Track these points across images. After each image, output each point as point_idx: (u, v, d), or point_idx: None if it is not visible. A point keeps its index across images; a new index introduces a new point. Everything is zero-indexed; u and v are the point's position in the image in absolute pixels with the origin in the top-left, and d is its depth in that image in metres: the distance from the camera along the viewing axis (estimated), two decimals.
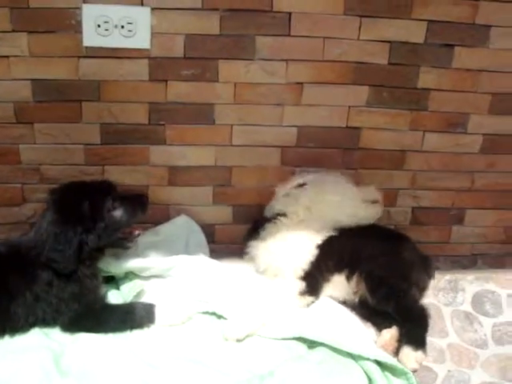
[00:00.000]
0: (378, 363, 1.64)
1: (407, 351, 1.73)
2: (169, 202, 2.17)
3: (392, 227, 2.24)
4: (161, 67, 1.95)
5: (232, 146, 2.10)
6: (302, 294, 1.91)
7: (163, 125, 2.05)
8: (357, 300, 1.95)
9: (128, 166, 2.09)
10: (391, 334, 1.81)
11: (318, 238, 1.98)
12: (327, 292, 1.97)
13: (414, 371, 1.69)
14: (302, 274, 1.93)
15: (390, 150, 2.14)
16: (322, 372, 1.62)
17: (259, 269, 2.02)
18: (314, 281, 1.93)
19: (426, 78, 2.04)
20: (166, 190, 2.15)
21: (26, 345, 1.63)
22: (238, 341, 1.73)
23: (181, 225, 2.14)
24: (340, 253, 1.98)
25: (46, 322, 1.69)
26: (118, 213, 1.79)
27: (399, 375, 1.63)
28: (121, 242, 1.84)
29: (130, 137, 2.05)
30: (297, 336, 1.73)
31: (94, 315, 1.71)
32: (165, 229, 2.11)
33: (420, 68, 2.02)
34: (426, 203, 2.25)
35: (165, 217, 2.16)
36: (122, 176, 2.09)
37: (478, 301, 2.06)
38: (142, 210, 1.86)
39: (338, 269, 1.97)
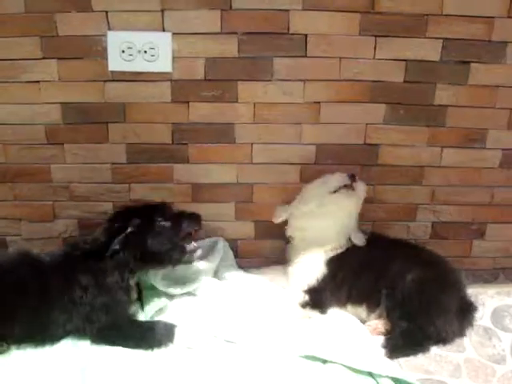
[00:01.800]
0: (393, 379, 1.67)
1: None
2: None
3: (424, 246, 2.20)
4: (182, 89, 2.03)
5: (253, 163, 2.15)
6: (303, 305, 1.97)
7: (186, 144, 2.12)
8: None
9: (153, 184, 2.17)
10: (384, 321, 1.91)
11: (327, 255, 2.02)
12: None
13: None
14: (306, 288, 1.98)
15: (409, 165, 2.17)
16: (338, 381, 1.67)
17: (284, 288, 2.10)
18: (318, 296, 1.97)
19: (443, 94, 2.06)
20: (190, 207, 2.17)
21: (55, 353, 1.73)
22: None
23: (221, 251, 2.20)
24: (356, 283, 1.99)
25: (79, 331, 1.77)
26: (167, 224, 1.87)
27: None
28: (180, 256, 1.89)
29: (154, 156, 2.13)
30: (309, 355, 1.76)
31: (118, 329, 1.78)
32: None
33: (436, 85, 2.05)
34: (446, 218, 2.25)
35: None
36: (147, 193, 2.17)
37: (497, 315, 2.06)
38: (194, 225, 1.92)
39: (352, 302, 2.00)
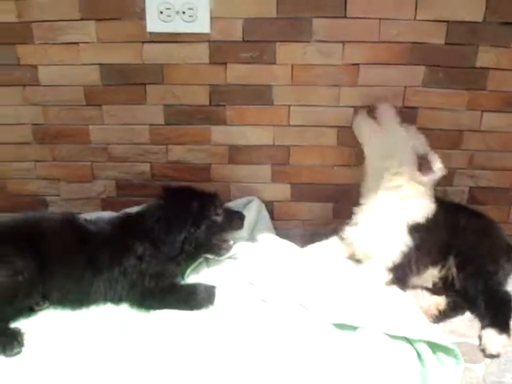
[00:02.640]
0: (429, 342, 1.68)
1: (491, 334, 1.76)
2: (230, 180, 2.25)
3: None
4: (220, 50, 2.02)
5: (290, 125, 2.14)
6: (388, 284, 1.94)
7: (223, 106, 2.12)
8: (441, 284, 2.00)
9: (190, 145, 2.18)
10: (436, 300, 1.87)
11: (409, 222, 1.95)
12: (415, 282, 2.01)
13: (497, 355, 1.73)
14: (391, 265, 1.92)
15: (447, 129, 2.13)
16: (373, 348, 1.68)
17: (357, 255, 2.05)
18: (403, 274, 1.93)
19: (485, 57, 2.01)
20: (227, 168, 2.23)
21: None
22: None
23: (254, 210, 2.20)
24: (435, 247, 1.98)
25: (121, 298, 1.82)
26: (219, 219, 1.91)
27: (449, 354, 1.66)
28: (216, 249, 1.96)
29: (192, 117, 2.14)
30: (341, 323, 1.76)
31: (162, 294, 1.81)
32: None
33: (478, 47, 2.00)
34: (484, 183, 2.23)
35: (226, 193, 2.23)
36: (184, 155, 2.20)
37: None
38: (239, 225, 1.98)
39: (433, 263, 1.99)
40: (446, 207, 2.03)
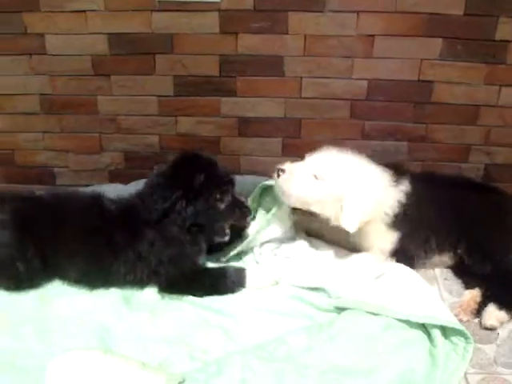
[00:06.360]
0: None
1: (491, 308, 1.75)
2: (239, 153, 2.23)
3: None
4: (231, 20, 1.97)
5: (301, 98, 2.10)
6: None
7: (234, 77, 2.08)
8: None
9: (199, 117, 2.15)
10: (472, 294, 1.83)
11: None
12: None
13: (493, 328, 1.72)
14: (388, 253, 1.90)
15: (464, 104, 2.08)
16: (381, 323, 1.66)
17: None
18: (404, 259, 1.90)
19: (505, 29, 1.94)
20: (237, 141, 2.20)
21: None
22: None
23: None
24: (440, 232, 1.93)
25: (143, 282, 1.77)
26: (221, 206, 1.77)
27: (459, 334, 1.64)
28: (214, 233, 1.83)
29: (201, 88, 2.10)
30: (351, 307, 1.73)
31: (188, 280, 1.76)
32: None
33: (499, 18, 1.93)
34: (500, 160, 2.17)
35: (236, 167, 2.21)
36: (193, 127, 2.16)
37: None
38: (241, 219, 1.85)
39: (440, 251, 1.95)
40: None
